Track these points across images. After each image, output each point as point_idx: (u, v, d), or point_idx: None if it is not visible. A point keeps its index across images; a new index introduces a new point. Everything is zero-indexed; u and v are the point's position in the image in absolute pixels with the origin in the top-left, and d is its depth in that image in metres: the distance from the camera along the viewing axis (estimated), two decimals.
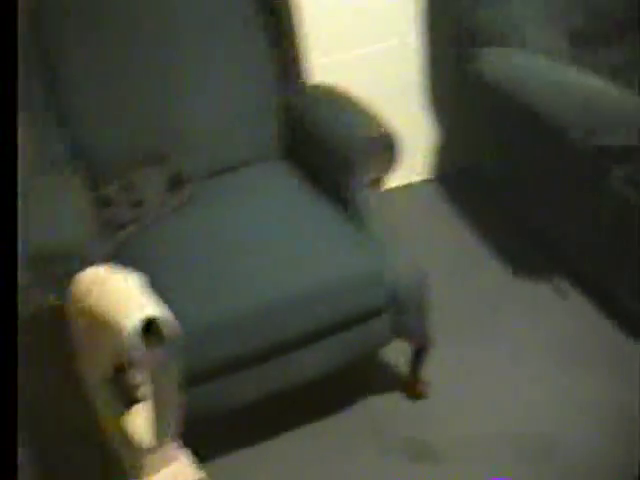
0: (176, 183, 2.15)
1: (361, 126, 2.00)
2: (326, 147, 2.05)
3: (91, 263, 1.57)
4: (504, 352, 2.29)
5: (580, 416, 2.07)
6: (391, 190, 2.86)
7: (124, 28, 2.16)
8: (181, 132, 2.22)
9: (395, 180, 2.85)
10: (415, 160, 2.92)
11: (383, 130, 1.96)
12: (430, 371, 2.16)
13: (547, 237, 2.47)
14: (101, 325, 1.41)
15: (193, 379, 1.72)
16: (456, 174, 2.99)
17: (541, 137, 2.21)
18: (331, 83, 2.27)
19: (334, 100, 2.18)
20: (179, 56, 2.22)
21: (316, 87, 2.30)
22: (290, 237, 1.94)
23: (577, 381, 2.16)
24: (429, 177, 3.02)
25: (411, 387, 2.17)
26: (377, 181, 2.02)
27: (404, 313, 1.96)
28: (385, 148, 1.95)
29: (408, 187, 2.98)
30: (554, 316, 2.38)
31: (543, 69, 2.28)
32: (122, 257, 1.90)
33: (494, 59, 2.39)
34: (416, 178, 2.99)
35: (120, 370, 1.54)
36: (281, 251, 1.89)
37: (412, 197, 2.93)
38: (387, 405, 2.17)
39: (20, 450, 1.56)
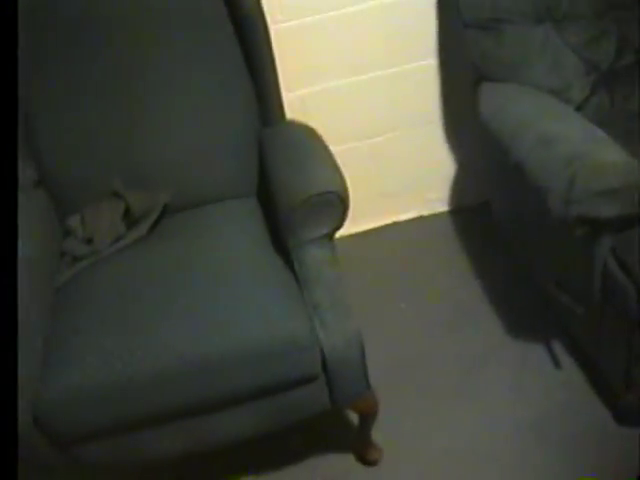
0: (132, 218, 2.07)
1: (306, 184, 1.82)
2: (275, 198, 1.91)
3: None
4: (474, 421, 2.10)
5: None
6: (402, 222, 2.72)
7: (95, 58, 2.09)
8: (149, 165, 2.16)
9: (408, 212, 2.71)
10: (429, 192, 2.73)
11: (331, 188, 1.79)
12: (389, 434, 2.06)
13: (547, 296, 2.24)
14: None
15: (110, 432, 1.73)
16: (472, 210, 2.76)
17: (530, 193, 1.99)
18: (304, 121, 2.13)
19: (294, 146, 2.04)
20: (152, 87, 2.14)
21: (288, 125, 2.16)
22: (226, 291, 1.82)
23: (548, 462, 1.98)
24: (443, 210, 2.81)
25: (361, 452, 2.04)
26: (329, 236, 1.86)
27: (338, 381, 1.83)
28: (330, 206, 1.79)
29: (421, 219, 2.79)
30: (540, 385, 2.16)
31: (538, 114, 2.05)
32: (69, 291, 1.89)
33: (491, 97, 2.18)
34: (429, 211, 2.78)
35: None
36: (211, 306, 1.79)
37: (423, 229, 2.75)
38: (336, 469, 2.04)
39: None
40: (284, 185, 1.90)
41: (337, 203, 1.78)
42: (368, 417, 1.96)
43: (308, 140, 2.03)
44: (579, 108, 2.23)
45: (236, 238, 2.01)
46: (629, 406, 1.99)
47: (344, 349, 1.80)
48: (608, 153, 1.83)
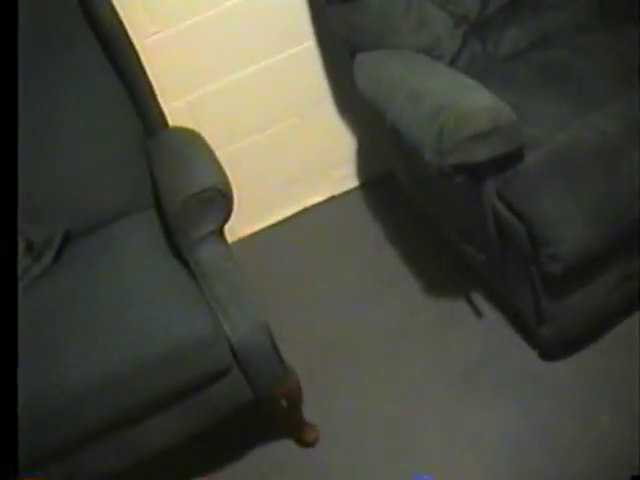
0: (36, 251, 2.08)
1: (186, 185, 1.85)
2: (163, 204, 1.94)
3: None
4: (406, 385, 2.12)
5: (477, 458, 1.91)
6: (314, 206, 2.74)
7: None
8: (44, 194, 2.16)
9: (318, 195, 2.73)
10: (335, 171, 2.75)
11: (209, 185, 1.81)
12: (324, 413, 2.09)
13: (457, 250, 2.27)
14: None
15: (41, 459, 1.72)
16: (380, 180, 2.78)
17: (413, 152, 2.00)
18: (186, 126, 2.16)
19: (175, 152, 2.07)
20: (38, 117, 2.13)
21: (170, 133, 2.19)
22: (129, 306, 1.84)
23: (486, 410, 2.01)
24: (353, 186, 2.82)
25: (298, 435, 2.06)
26: (218, 231, 1.88)
27: (253, 370, 1.85)
28: (212, 202, 1.81)
29: (332, 199, 2.81)
30: (465, 337, 2.20)
31: (407, 74, 2.07)
32: None
33: (363, 66, 2.20)
34: (339, 190, 2.79)
35: None
36: (115, 323, 1.81)
37: (335, 209, 2.78)
38: (277, 455, 2.06)
39: None
40: (168, 190, 1.93)
41: (218, 199, 1.81)
42: (293, 400, 1.98)
43: (187, 144, 2.07)
44: (453, 61, 2.25)
45: (137, 252, 2.02)
46: (546, 340, 2.01)
47: (251, 338, 1.83)
48: (474, 99, 1.85)
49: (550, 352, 2.05)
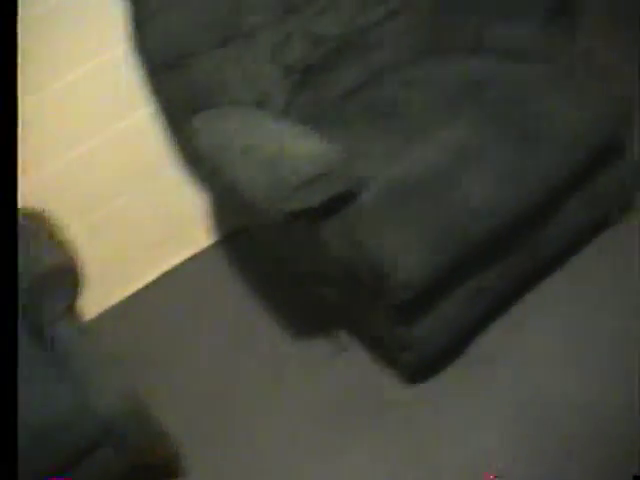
0: None
1: (32, 264, 1.87)
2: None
3: None
4: (285, 430, 2.18)
5: None
6: (176, 267, 2.76)
7: None
8: None
9: (178, 256, 2.75)
10: (192, 231, 2.79)
11: (55, 264, 1.84)
12: (213, 471, 2.11)
13: (317, 293, 2.33)
14: None
15: None
16: (236, 236, 2.82)
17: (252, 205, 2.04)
18: (31, 207, 2.16)
19: (22, 232, 2.06)
20: None
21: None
22: None
23: (357, 449, 2.08)
24: (211, 243, 2.86)
25: None
26: (71, 308, 1.90)
27: (124, 440, 1.85)
28: (58, 281, 1.83)
29: (193, 258, 2.83)
30: (333, 374, 2.27)
31: (237, 132, 2.12)
32: None
33: (200, 127, 2.23)
34: (197, 248, 2.83)
35: None
36: None
37: (197, 267, 2.79)
38: None
39: None
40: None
41: (64, 277, 1.85)
42: (171, 464, 1.99)
43: (32, 224, 2.07)
44: (287, 110, 2.32)
45: None
46: (410, 365, 2.10)
47: (118, 408, 1.84)
48: (304, 146, 1.93)
49: (416, 376, 2.13)
